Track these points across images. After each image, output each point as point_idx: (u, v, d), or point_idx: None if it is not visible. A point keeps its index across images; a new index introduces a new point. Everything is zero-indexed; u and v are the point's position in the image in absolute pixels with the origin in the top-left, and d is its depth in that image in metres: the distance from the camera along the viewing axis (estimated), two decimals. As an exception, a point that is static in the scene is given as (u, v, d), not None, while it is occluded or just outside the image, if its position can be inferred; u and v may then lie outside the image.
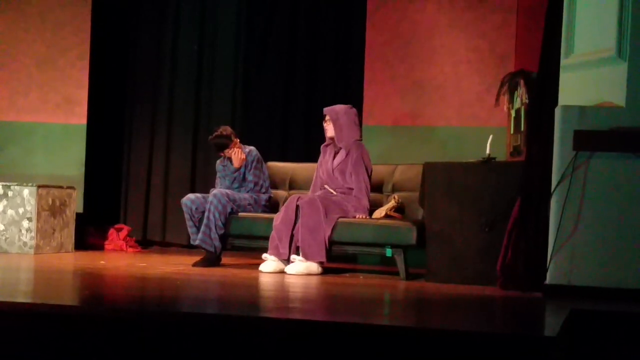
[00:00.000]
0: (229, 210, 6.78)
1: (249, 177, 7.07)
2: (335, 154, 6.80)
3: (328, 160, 6.82)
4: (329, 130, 6.78)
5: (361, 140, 6.83)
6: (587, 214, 4.89)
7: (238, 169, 7.07)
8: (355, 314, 4.31)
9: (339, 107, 6.80)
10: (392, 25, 8.03)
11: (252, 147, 7.18)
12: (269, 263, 6.45)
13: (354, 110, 6.85)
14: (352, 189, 6.65)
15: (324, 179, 6.80)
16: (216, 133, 7.10)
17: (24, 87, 8.72)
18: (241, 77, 8.82)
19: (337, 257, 6.82)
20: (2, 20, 8.72)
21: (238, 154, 7.05)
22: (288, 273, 6.30)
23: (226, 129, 7.12)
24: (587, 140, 4.87)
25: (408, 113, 7.95)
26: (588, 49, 5.09)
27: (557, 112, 5.02)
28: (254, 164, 7.10)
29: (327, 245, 6.39)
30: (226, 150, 7.09)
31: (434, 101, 7.90)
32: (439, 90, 7.90)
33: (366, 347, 3.48)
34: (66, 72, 8.66)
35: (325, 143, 6.90)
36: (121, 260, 7.23)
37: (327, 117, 6.78)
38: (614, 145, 4.86)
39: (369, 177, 6.72)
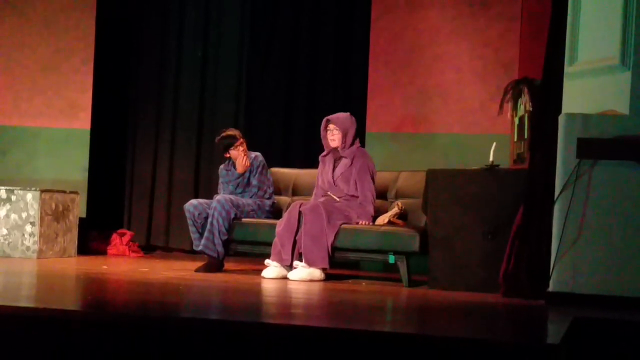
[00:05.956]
0: (232, 215, 6.78)
1: (253, 182, 7.07)
2: (336, 162, 6.78)
3: (328, 171, 6.79)
4: (336, 140, 6.72)
5: (360, 146, 6.82)
6: (590, 221, 4.89)
7: (242, 174, 7.07)
8: (358, 320, 4.31)
9: (344, 116, 6.75)
10: (395, 33, 8.04)
11: (257, 153, 7.18)
12: (272, 269, 6.45)
13: (354, 117, 6.84)
14: (355, 196, 6.65)
15: (325, 189, 6.78)
16: (223, 134, 7.12)
17: (28, 92, 8.74)
18: (244, 83, 8.83)
19: (339, 264, 6.81)
20: (6, 25, 8.74)
21: (242, 159, 7.05)
22: (290, 279, 6.29)
23: (233, 130, 7.17)
24: (590, 148, 4.88)
25: (411, 120, 7.96)
26: (592, 57, 5.09)
27: (561, 119, 5.02)
28: (259, 169, 7.10)
29: (330, 251, 6.38)
30: (231, 151, 7.07)
31: (437, 108, 7.90)
32: (443, 97, 7.90)
33: (368, 353, 3.47)
34: (70, 77, 8.67)
35: (324, 153, 6.86)
36: (123, 265, 7.23)
37: (334, 127, 6.71)
38: (618, 153, 4.86)
39: (374, 183, 6.72)
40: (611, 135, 4.87)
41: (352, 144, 6.73)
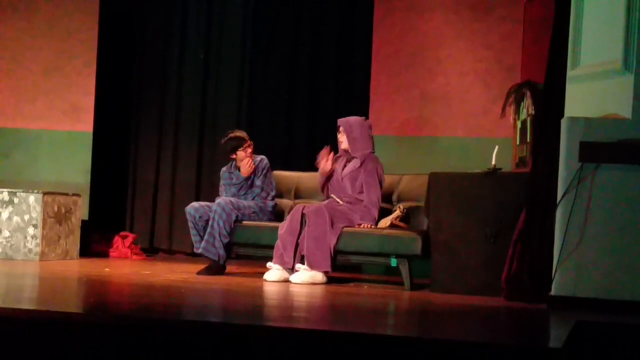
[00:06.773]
0: (233, 218, 6.77)
1: (257, 183, 7.07)
2: (347, 162, 6.80)
3: (339, 170, 6.81)
4: (343, 142, 6.76)
5: (374, 152, 6.81)
6: (593, 225, 4.89)
7: (246, 178, 7.06)
8: (360, 323, 4.31)
9: (353, 119, 6.78)
10: (398, 36, 8.04)
11: (263, 156, 7.18)
12: (274, 272, 6.44)
13: (368, 122, 6.86)
14: (359, 199, 6.64)
15: (334, 186, 6.80)
16: (231, 135, 7.13)
17: (31, 94, 8.74)
18: (246, 86, 8.83)
19: (341, 267, 6.81)
20: (10, 28, 8.75)
21: (248, 163, 7.04)
22: (293, 282, 6.29)
23: (240, 132, 7.18)
24: (593, 152, 4.87)
25: (414, 123, 7.96)
26: (594, 60, 5.09)
27: (563, 123, 5.02)
28: (264, 171, 7.11)
29: (332, 254, 6.38)
30: (239, 152, 7.07)
31: (439, 111, 7.90)
32: (445, 100, 7.89)
33: (370, 357, 3.47)
34: (73, 80, 8.68)
35: (337, 154, 6.88)
36: (125, 267, 7.24)
37: (342, 130, 6.76)
38: (620, 157, 4.86)
39: (381, 189, 6.71)
40: (614, 139, 4.86)
41: (364, 146, 6.71)
